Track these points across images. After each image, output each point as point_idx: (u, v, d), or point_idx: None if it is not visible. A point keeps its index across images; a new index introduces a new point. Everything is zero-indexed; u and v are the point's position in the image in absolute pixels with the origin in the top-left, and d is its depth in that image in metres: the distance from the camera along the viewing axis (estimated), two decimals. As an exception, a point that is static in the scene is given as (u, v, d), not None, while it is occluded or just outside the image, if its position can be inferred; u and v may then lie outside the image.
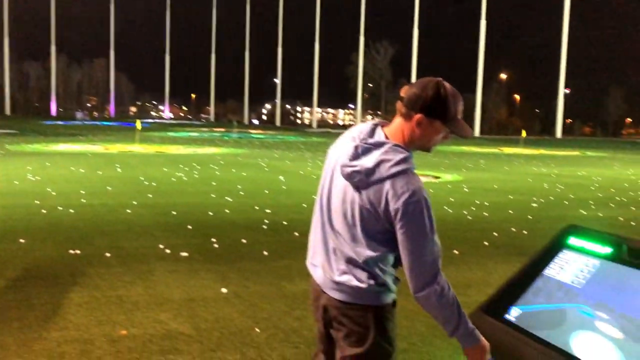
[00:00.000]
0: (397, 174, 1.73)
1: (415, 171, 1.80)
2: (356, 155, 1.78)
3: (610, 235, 2.18)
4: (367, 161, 1.76)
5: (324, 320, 1.95)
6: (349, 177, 1.79)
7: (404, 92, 1.82)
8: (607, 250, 2.12)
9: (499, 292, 2.38)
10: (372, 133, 1.84)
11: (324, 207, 1.91)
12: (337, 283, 1.85)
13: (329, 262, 1.89)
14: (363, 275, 1.81)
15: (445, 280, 1.78)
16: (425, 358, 3.16)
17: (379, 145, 1.79)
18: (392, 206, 1.72)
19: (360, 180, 1.76)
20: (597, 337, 1.88)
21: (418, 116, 1.77)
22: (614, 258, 2.08)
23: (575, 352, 1.88)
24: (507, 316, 2.22)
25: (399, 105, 1.82)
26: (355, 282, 1.81)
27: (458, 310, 1.79)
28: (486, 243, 6.45)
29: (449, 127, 1.81)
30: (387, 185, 1.73)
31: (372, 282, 1.81)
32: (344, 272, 1.84)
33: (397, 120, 1.83)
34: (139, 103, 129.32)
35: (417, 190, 1.72)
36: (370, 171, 1.75)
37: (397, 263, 1.85)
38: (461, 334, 1.81)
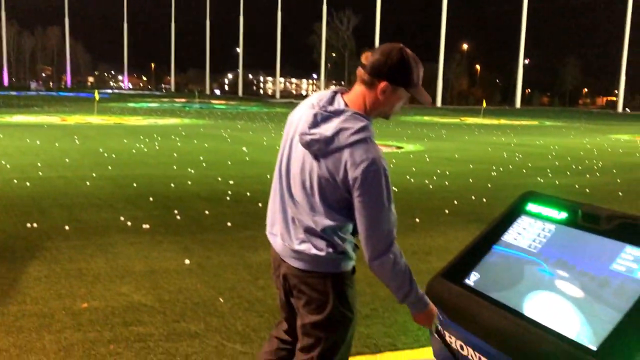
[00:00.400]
0: (356, 142, 1.72)
1: (377, 141, 1.79)
2: (315, 123, 1.76)
3: (566, 201, 2.25)
4: (326, 129, 1.74)
5: (284, 289, 1.96)
6: (307, 145, 1.77)
7: (365, 59, 1.79)
8: (563, 215, 2.19)
9: (458, 258, 2.43)
10: (331, 100, 1.82)
11: (282, 176, 1.90)
12: (296, 252, 1.85)
13: (288, 231, 1.88)
14: (322, 243, 1.81)
15: (399, 249, 1.79)
16: (387, 323, 3.23)
17: (338, 113, 1.77)
18: (351, 175, 1.71)
19: (319, 149, 1.75)
20: (556, 297, 1.95)
21: (383, 84, 1.75)
22: (570, 223, 2.14)
23: (533, 314, 1.95)
24: (466, 281, 2.27)
25: (361, 72, 1.79)
26: (314, 251, 1.81)
27: (409, 278, 1.80)
28: (447, 211, 6.57)
29: (412, 93, 1.80)
30: (346, 153, 1.72)
31: (330, 250, 1.82)
32: (303, 241, 1.84)
33: (358, 88, 1.81)
34: (96, 73, 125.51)
35: (376, 159, 1.72)
36: (329, 140, 1.73)
37: (356, 231, 1.86)
38: (411, 300, 1.83)
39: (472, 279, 2.27)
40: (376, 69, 1.75)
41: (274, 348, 2.11)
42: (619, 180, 9.44)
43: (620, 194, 8.17)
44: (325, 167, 1.75)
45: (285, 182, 1.88)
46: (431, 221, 6.03)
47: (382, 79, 1.75)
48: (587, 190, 8.37)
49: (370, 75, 1.76)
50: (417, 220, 5.98)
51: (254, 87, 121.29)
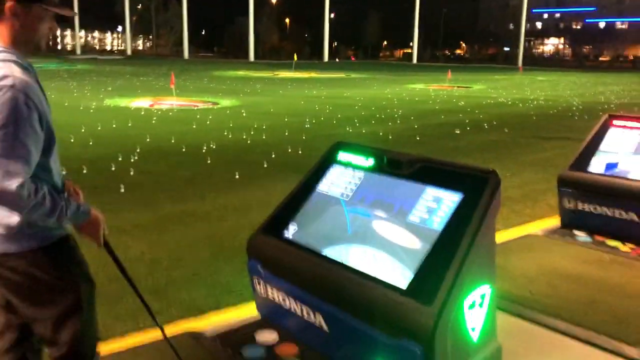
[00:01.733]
0: None
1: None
2: None
3: (372, 149, 2.37)
4: None
5: None
6: None
7: None
8: (371, 162, 2.31)
9: (276, 212, 2.45)
10: None
11: None
12: None
13: None
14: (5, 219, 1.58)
15: (33, 186, 1.52)
16: (209, 285, 3.19)
17: None
18: None
19: None
20: (370, 242, 2.07)
21: (9, 4, 1.53)
22: (377, 169, 2.27)
23: (349, 260, 2.04)
24: (285, 234, 2.31)
25: None
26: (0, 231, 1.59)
27: (52, 202, 1.55)
28: (265, 164, 6.65)
29: (50, 7, 1.60)
30: None
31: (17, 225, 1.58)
32: None
33: None
34: None
35: (10, 75, 1.50)
36: None
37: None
38: (68, 218, 1.61)
39: (291, 231, 2.32)
40: None
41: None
42: (416, 126, 10.36)
43: (418, 138, 8.97)
44: None
45: None
46: (251, 175, 6.06)
47: (7, 0, 1.53)
48: (390, 137, 9.05)
49: None
50: (237, 175, 5.97)
51: (50, 43, 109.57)
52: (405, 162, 2.16)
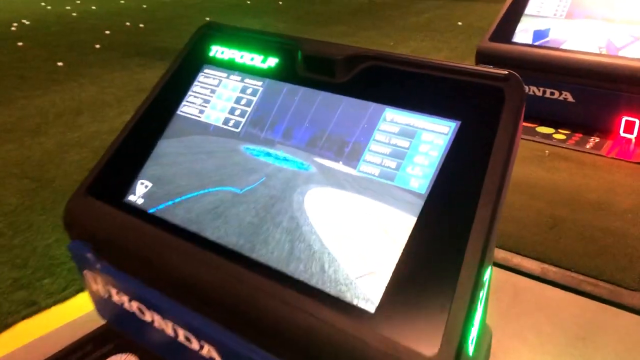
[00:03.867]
0: None
1: None
2: None
3: (271, 36, 1.35)
4: None
5: None
6: None
7: None
8: (274, 61, 1.30)
9: (110, 155, 1.40)
10: None
11: None
12: None
13: None
14: None
15: None
16: (19, 254, 2.11)
17: None
18: None
19: None
20: (294, 216, 1.12)
21: None
22: (287, 74, 1.28)
23: (258, 251, 1.11)
24: (129, 198, 1.29)
25: None
26: None
27: None
28: (98, 45, 5.20)
29: None
30: None
31: None
32: None
33: None
34: None
35: None
36: None
37: None
38: None
39: (139, 193, 1.31)
40: None
41: None
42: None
43: (280, 2, 7.75)
44: None
45: None
46: (79, 63, 4.64)
47: None
48: (248, 1, 7.74)
49: None
50: (60, 63, 4.53)
51: None
52: (341, 60, 1.19)
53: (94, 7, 7.02)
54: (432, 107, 1.09)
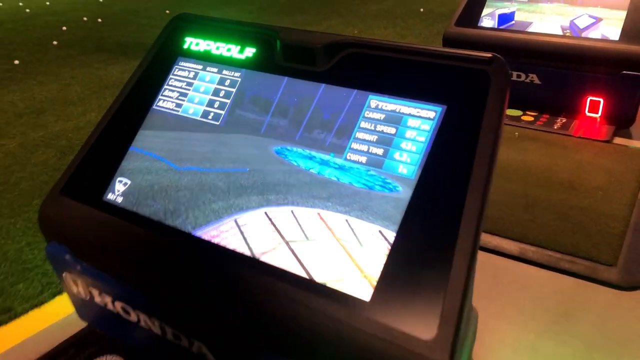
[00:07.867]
0: None
1: None
2: None
3: (246, 26, 1.32)
4: None
5: None
6: None
7: None
8: (250, 51, 1.28)
9: (85, 153, 1.36)
10: None
11: None
12: None
13: None
14: None
15: None
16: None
17: None
18: None
19: None
20: (281, 210, 1.11)
21: None
22: (266, 64, 1.26)
23: (250, 247, 1.09)
24: (108, 196, 1.26)
25: None
26: None
27: None
28: (55, 42, 5.05)
29: None
30: None
31: None
32: None
33: None
34: None
35: None
36: None
37: None
38: None
39: (118, 191, 1.27)
40: None
41: None
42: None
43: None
44: None
45: None
46: (36, 60, 4.49)
47: None
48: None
49: None
50: (17, 61, 4.38)
51: None
52: (321, 49, 1.18)
53: (48, 3, 6.80)
54: (416, 92, 1.08)
